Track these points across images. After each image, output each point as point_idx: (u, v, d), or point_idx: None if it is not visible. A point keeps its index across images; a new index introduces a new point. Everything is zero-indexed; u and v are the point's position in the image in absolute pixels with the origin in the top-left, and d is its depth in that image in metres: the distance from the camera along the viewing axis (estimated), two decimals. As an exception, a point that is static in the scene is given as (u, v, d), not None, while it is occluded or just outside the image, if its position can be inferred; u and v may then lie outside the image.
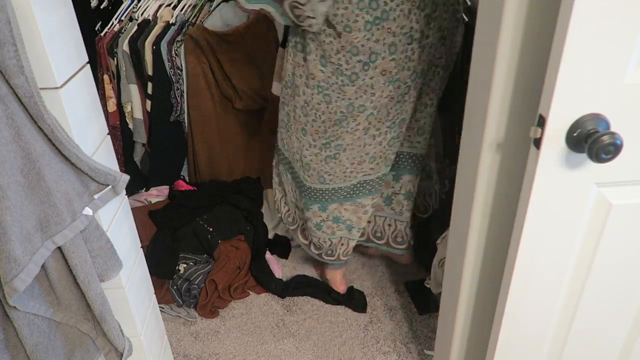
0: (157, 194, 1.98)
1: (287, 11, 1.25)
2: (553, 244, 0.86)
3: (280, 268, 1.88)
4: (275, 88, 1.75)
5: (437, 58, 1.37)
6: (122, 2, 1.95)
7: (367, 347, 1.58)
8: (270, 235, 1.96)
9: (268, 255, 1.90)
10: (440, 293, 1.31)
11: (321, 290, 1.76)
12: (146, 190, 2.03)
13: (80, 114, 0.87)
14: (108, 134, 0.99)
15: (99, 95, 1.53)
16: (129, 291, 1.04)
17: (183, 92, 1.84)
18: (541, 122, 0.74)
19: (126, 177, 0.92)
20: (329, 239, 1.63)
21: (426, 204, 1.73)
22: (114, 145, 1.54)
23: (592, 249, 0.87)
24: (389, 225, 1.69)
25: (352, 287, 1.78)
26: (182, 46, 1.76)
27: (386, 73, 1.29)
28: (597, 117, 0.73)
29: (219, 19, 1.88)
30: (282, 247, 1.95)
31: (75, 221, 0.85)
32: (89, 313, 0.94)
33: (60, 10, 0.81)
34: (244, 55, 1.84)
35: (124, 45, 1.76)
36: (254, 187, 2.00)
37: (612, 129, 0.74)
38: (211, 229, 1.74)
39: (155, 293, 1.22)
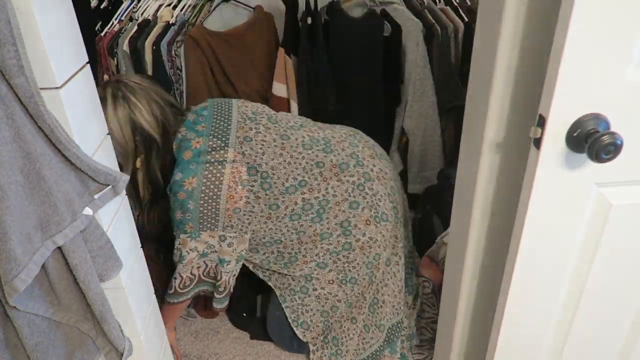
0: (157, 194, 1.97)
1: None
2: (553, 244, 0.86)
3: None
4: (276, 88, 1.75)
5: None
6: (122, 2, 1.95)
7: (367, 347, 1.58)
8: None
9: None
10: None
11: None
12: (146, 190, 2.02)
13: (80, 114, 0.87)
14: (108, 134, 0.99)
15: (99, 95, 1.53)
16: (129, 291, 1.04)
17: (183, 92, 1.84)
18: (541, 122, 0.74)
19: (126, 177, 0.92)
20: None
21: None
22: (114, 145, 1.54)
23: (592, 249, 0.87)
24: None
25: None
26: (182, 46, 1.76)
27: None
28: (597, 117, 0.73)
29: (219, 19, 1.88)
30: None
31: (75, 221, 0.85)
32: (89, 313, 0.94)
33: (60, 10, 0.81)
34: (244, 55, 1.84)
35: (124, 45, 1.76)
36: (254, 187, 1.99)
37: (612, 129, 0.74)
38: (211, 229, 1.74)
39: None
